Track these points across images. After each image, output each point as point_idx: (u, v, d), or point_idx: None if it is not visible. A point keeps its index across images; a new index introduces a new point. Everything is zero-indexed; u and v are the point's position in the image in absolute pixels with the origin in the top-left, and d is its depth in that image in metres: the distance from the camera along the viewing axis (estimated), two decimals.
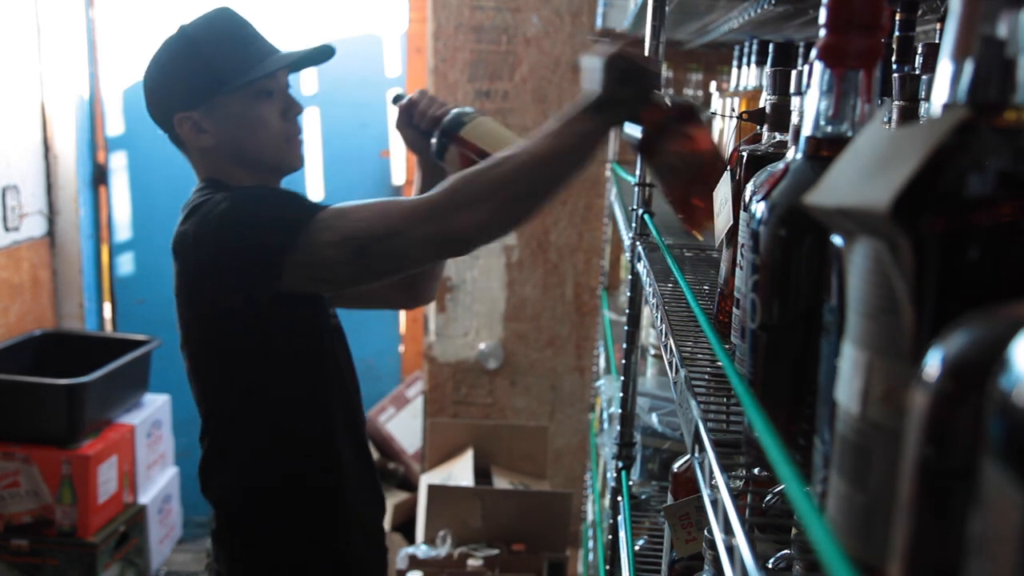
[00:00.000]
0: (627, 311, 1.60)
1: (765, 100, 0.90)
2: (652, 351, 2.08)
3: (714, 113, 1.49)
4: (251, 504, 1.35)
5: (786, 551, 0.73)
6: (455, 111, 1.41)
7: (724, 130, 1.52)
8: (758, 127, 1.03)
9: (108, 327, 3.39)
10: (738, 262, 0.68)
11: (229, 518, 1.36)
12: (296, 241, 1.20)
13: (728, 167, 0.94)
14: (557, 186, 1.19)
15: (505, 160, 1.17)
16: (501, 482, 2.66)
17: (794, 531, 0.71)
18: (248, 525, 1.35)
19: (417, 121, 1.44)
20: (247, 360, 1.31)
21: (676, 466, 1.15)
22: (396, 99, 1.49)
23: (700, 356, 0.91)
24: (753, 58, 1.69)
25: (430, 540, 2.46)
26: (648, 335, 2.11)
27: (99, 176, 3.27)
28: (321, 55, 1.42)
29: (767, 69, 0.92)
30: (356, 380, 1.46)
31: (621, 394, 1.63)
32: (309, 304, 1.30)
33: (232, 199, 1.25)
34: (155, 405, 2.84)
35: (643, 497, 1.69)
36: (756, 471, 0.74)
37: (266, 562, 1.34)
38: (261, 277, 1.22)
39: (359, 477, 1.40)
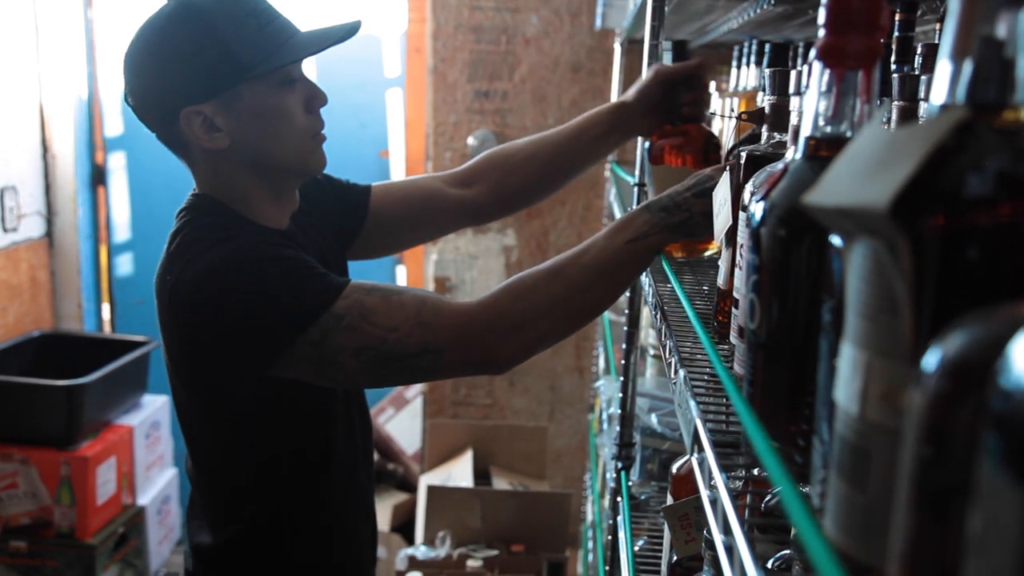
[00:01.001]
0: (626, 311, 1.60)
1: (764, 100, 0.90)
2: (651, 351, 2.08)
3: (713, 113, 1.49)
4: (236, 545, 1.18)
5: (785, 551, 0.73)
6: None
7: (724, 130, 1.52)
8: (755, 127, 1.03)
9: (107, 328, 3.38)
10: (737, 262, 0.68)
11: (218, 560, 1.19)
12: (306, 335, 1.00)
13: (727, 167, 0.94)
14: (610, 300, 1.07)
15: (567, 266, 1.04)
16: (500, 483, 2.66)
17: (793, 531, 0.71)
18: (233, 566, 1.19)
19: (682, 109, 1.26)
20: (243, 419, 1.13)
21: (675, 467, 1.15)
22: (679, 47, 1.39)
23: (699, 356, 0.91)
24: (752, 58, 1.70)
25: (429, 541, 2.46)
26: (647, 335, 2.11)
27: (97, 177, 3.27)
28: (346, 33, 1.20)
29: (766, 69, 0.92)
30: (366, 416, 1.30)
31: (620, 394, 1.63)
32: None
33: (235, 262, 1.03)
34: (154, 406, 2.84)
35: (642, 498, 1.69)
36: (755, 471, 0.74)
37: None
38: (255, 366, 1.04)
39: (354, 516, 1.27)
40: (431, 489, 2.49)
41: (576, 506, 3.17)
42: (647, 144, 1.25)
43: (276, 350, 1.01)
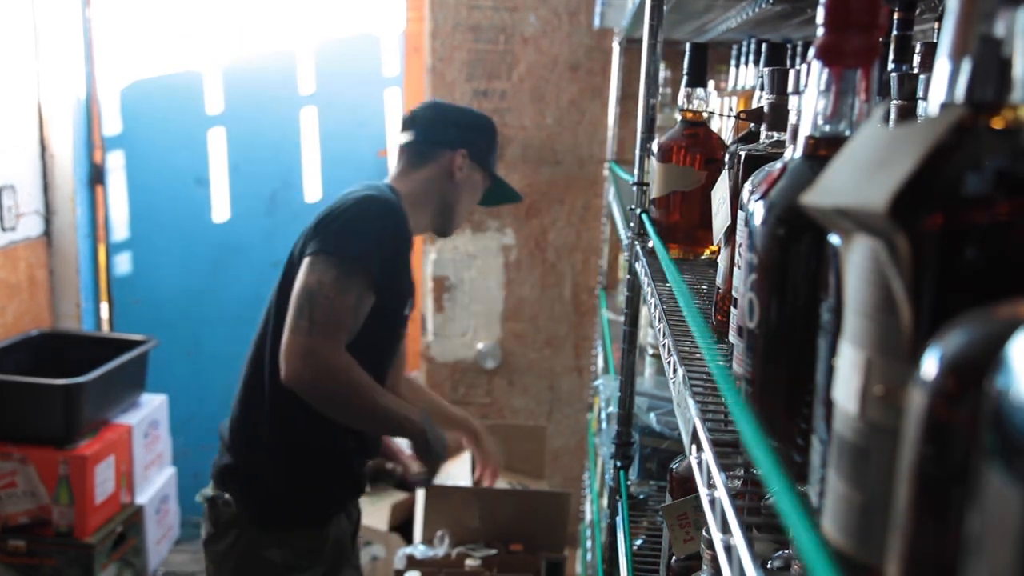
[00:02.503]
0: (625, 311, 1.60)
1: (763, 99, 0.90)
2: (650, 351, 2.08)
3: (712, 112, 1.49)
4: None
5: (784, 551, 0.73)
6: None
7: (722, 129, 1.52)
8: (753, 125, 1.03)
9: (105, 327, 3.38)
10: (736, 261, 0.68)
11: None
12: (324, 259, 1.57)
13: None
14: (381, 431, 1.87)
15: (361, 397, 1.57)
16: (498, 482, 2.66)
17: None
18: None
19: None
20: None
21: (674, 466, 1.14)
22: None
23: (698, 356, 0.91)
24: (751, 57, 1.70)
25: (428, 540, 2.46)
26: (646, 335, 2.11)
27: (96, 176, 3.26)
28: (510, 196, 1.95)
29: (764, 68, 0.92)
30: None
31: (619, 394, 1.63)
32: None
33: (359, 213, 1.61)
34: (152, 405, 2.83)
35: (641, 497, 1.69)
36: (754, 470, 0.74)
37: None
38: (305, 248, 1.61)
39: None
40: (429, 488, 2.49)
41: (575, 505, 3.17)
42: (656, 142, 1.25)
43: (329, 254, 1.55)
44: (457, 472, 2.68)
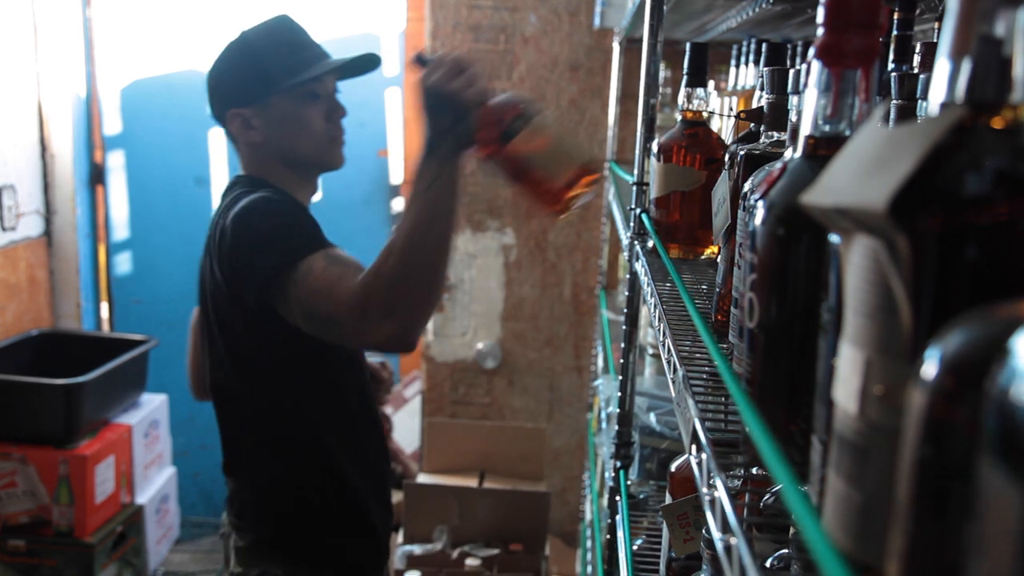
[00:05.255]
0: (625, 310, 1.60)
1: (763, 99, 0.90)
2: (650, 350, 2.08)
3: (712, 112, 1.49)
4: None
5: (784, 550, 0.74)
6: (508, 102, 1.17)
7: (722, 128, 1.52)
8: (753, 125, 1.03)
9: (105, 327, 3.38)
10: (736, 261, 0.68)
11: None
12: (280, 276, 1.28)
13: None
14: (447, 243, 1.23)
15: (390, 253, 1.20)
16: (495, 483, 2.66)
17: (792, 530, 0.71)
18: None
19: (445, 95, 1.19)
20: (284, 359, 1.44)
21: (674, 465, 1.15)
22: (418, 59, 1.23)
23: (698, 355, 0.91)
24: (751, 57, 1.70)
25: (410, 538, 2.48)
26: (646, 334, 2.11)
27: (96, 175, 3.26)
28: (367, 63, 1.49)
29: (764, 68, 0.92)
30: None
31: (619, 393, 1.63)
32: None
33: (262, 200, 1.35)
34: (152, 405, 2.83)
35: (641, 496, 1.69)
36: (754, 470, 0.74)
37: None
38: (256, 291, 1.30)
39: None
40: (407, 487, 2.50)
41: (575, 504, 3.17)
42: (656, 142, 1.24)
43: (273, 277, 1.27)
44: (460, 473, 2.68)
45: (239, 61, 1.44)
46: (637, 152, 1.47)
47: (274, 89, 1.41)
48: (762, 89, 0.93)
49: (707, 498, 0.63)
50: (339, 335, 1.27)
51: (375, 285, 1.20)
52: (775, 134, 0.89)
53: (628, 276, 1.58)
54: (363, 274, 1.22)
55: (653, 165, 1.24)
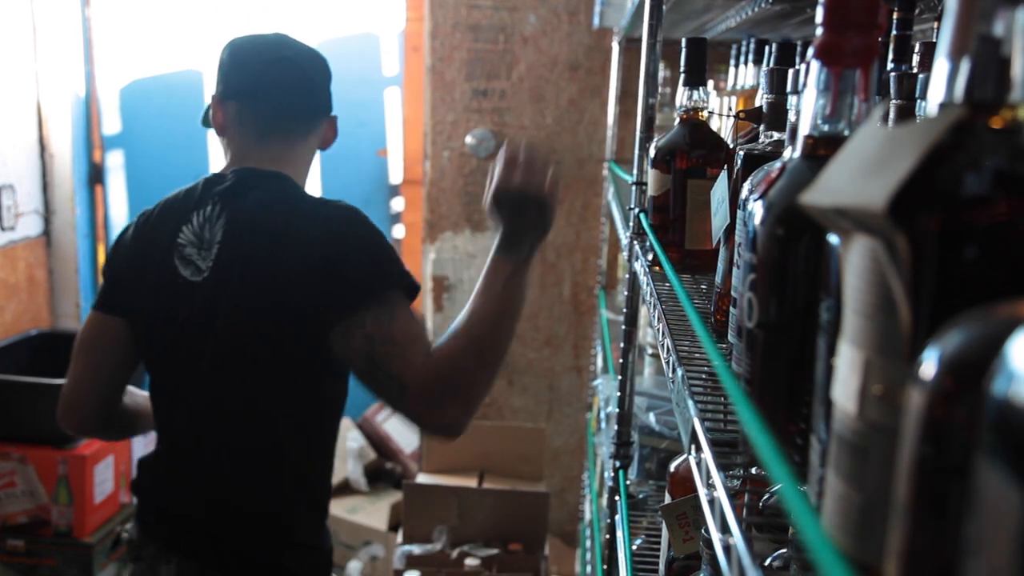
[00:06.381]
0: (624, 310, 1.60)
1: (762, 99, 0.90)
2: (650, 350, 2.08)
3: (712, 112, 1.49)
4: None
5: (783, 550, 0.74)
6: None
7: (722, 128, 1.52)
8: (755, 125, 1.03)
9: None
10: (735, 261, 0.68)
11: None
12: (377, 299, 1.21)
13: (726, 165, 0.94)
14: (513, 333, 1.24)
15: (468, 340, 1.19)
16: (494, 482, 2.67)
17: (791, 530, 0.71)
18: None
19: (528, 195, 1.20)
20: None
21: (673, 465, 1.15)
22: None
23: (697, 355, 0.91)
24: (750, 57, 1.70)
25: (409, 538, 2.48)
26: (646, 334, 2.11)
27: (95, 175, 3.26)
28: None
29: (764, 68, 0.92)
30: None
31: (618, 393, 1.63)
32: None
33: (369, 229, 1.27)
34: None
35: (640, 496, 1.69)
36: (753, 470, 0.74)
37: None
38: (357, 300, 1.22)
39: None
40: (407, 487, 2.50)
41: (574, 504, 3.17)
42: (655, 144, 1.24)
43: (396, 282, 1.23)
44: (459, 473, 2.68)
45: (326, 75, 1.41)
46: (636, 152, 1.47)
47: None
48: (762, 89, 0.93)
49: (706, 498, 0.63)
50: (396, 399, 1.18)
51: (450, 368, 1.17)
52: (774, 134, 0.89)
53: (628, 276, 1.58)
54: (436, 350, 1.19)
55: (649, 169, 1.24)
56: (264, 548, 1.30)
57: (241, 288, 1.25)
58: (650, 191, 1.22)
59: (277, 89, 1.36)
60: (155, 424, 1.39)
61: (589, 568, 2.26)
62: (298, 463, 1.32)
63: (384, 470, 3.32)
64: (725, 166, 1.01)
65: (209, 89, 3.27)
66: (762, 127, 0.91)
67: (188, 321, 1.28)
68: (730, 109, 1.54)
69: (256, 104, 1.37)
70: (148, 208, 1.43)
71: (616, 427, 1.64)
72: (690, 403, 0.74)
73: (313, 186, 3.52)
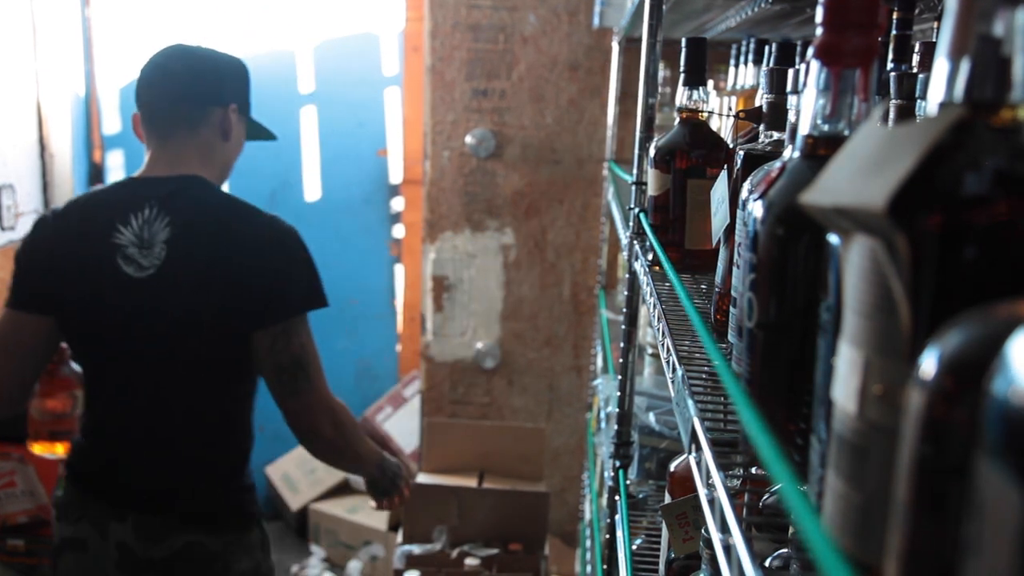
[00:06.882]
0: (624, 310, 1.60)
1: (762, 98, 0.90)
2: (649, 350, 2.08)
3: (711, 111, 1.49)
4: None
5: (783, 550, 0.74)
6: None
7: (722, 128, 1.52)
8: (755, 124, 1.03)
9: None
10: (735, 261, 0.68)
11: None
12: (297, 316, 1.48)
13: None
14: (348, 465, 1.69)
15: (348, 444, 1.56)
16: (494, 482, 2.66)
17: (791, 530, 0.71)
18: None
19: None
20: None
21: (673, 465, 1.15)
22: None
23: (697, 355, 0.91)
24: (750, 56, 1.70)
25: (409, 538, 2.47)
26: (646, 334, 2.11)
27: (95, 175, 3.26)
28: (265, 135, 1.69)
29: (764, 67, 0.92)
30: None
31: (618, 393, 1.63)
32: None
33: (299, 243, 1.49)
34: None
35: (640, 496, 1.69)
36: (753, 470, 0.74)
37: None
38: (287, 312, 1.48)
39: None
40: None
41: (574, 504, 3.17)
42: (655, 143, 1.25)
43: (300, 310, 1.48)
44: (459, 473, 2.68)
45: (242, 70, 1.57)
46: (636, 151, 1.47)
47: (249, 109, 1.59)
48: (762, 88, 0.93)
49: (706, 498, 0.63)
50: (291, 395, 1.47)
51: (336, 430, 1.52)
52: (774, 134, 0.89)
53: (627, 275, 1.58)
54: (339, 408, 1.53)
55: (649, 169, 1.24)
56: (205, 494, 1.52)
57: (185, 286, 1.43)
58: (650, 191, 1.22)
59: (161, 87, 1.50)
60: (87, 404, 1.56)
61: (589, 568, 2.26)
62: (227, 427, 1.54)
63: None
64: (725, 166, 1.01)
65: None
66: (762, 127, 0.91)
67: (133, 313, 1.44)
68: (730, 109, 1.54)
69: (150, 106, 1.50)
70: (55, 209, 1.54)
71: (616, 427, 1.64)
72: (690, 403, 0.74)
73: (313, 186, 3.53)
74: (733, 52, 1.91)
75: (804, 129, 0.59)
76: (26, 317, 1.48)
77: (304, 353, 1.46)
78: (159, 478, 1.49)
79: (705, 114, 1.20)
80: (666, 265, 1.00)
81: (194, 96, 1.49)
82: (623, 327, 1.60)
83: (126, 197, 1.46)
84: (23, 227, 2.89)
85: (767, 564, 0.73)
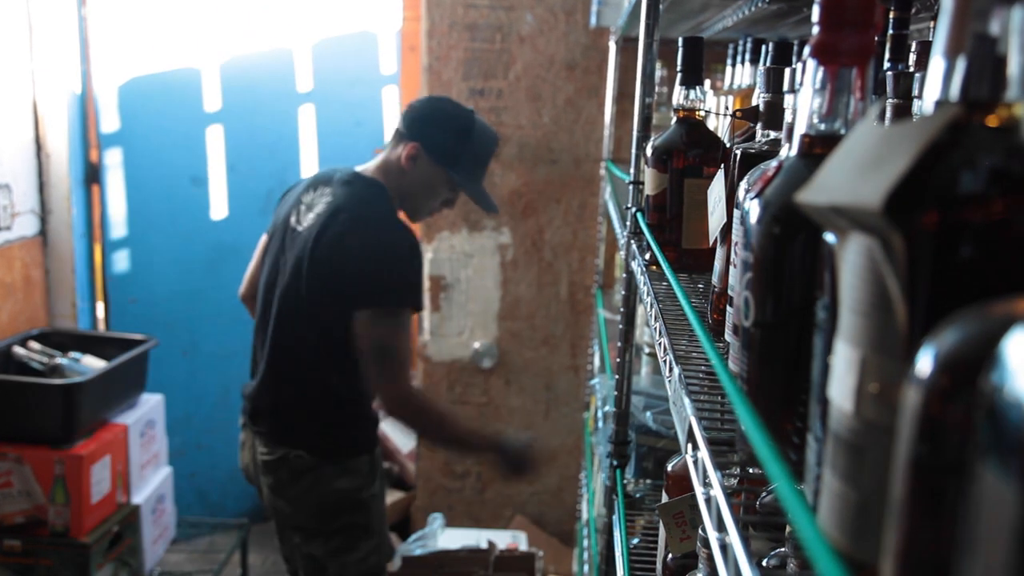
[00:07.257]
0: (621, 309, 1.60)
1: (759, 98, 0.90)
2: (646, 349, 2.08)
3: (708, 111, 1.49)
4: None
5: (780, 549, 0.74)
6: None
7: (718, 128, 1.52)
8: (751, 124, 1.03)
9: (101, 326, 3.37)
10: (732, 260, 0.68)
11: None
12: (391, 313, 1.78)
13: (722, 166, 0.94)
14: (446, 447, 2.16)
15: (434, 434, 1.95)
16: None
17: (788, 529, 0.71)
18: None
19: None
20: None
21: (670, 464, 1.15)
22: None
23: (694, 354, 0.91)
24: (747, 56, 1.70)
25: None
26: (643, 333, 2.11)
27: (92, 174, 3.26)
28: (486, 206, 1.96)
29: (761, 67, 0.92)
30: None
31: (616, 392, 1.63)
32: None
33: (405, 250, 1.79)
34: (148, 405, 2.83)
35: (637, 495, 1.69)
36: (750, 469, 0.74)
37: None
38: (366, 306, 1.79)
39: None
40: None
41: (571, 503, 3.17)
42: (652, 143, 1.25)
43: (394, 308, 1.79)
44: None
45: (459, 130, 1.86)
46: (633, 151, 1.47)
47: (449, 168, 1.85)
48: (759, 88, 0.93)
49: (703, 497, 0.63)
50: (372, 379, 1.79)
51: (413, 419, 1.87)
52: (771, 133, 0.89)
53: (625, 275, 1.58)
54: (419, 396, 1.92)
55: (645, 168, 1.24)
56: (317, 421, 1.90)
57: (313, 249, 1.80)
58: (647, 190, 1.22)
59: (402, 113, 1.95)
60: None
61: (586, 567, 2.26)
62: (324, 379, 1.87)
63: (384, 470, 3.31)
64: (722, 165, 1.01)
65: (208, 86, 3.26)
66: (759, 126, 0.91)
67: (279, 252, 1.90)
68: (727, 108, 1.54)
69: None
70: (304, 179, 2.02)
71: (613, 426, 1.64)
72: (687, 402, 0.74)
73: None
74: (730, 51, 1.91)
75: (800, 128, 0.59)
76: (265, 238, 2.05)
77: (385, 344, 1.74)
78: (267, 401, 1.92)
79: (702, 113, 1.20)
80: (663, 264, 1.00)
81: (403, 123, 1.88)
82: (620, 326, 1.60)
83: (329, 173, 1.92)
84: (19, 227, 2.89)
85: (764, 563, 0.73)
